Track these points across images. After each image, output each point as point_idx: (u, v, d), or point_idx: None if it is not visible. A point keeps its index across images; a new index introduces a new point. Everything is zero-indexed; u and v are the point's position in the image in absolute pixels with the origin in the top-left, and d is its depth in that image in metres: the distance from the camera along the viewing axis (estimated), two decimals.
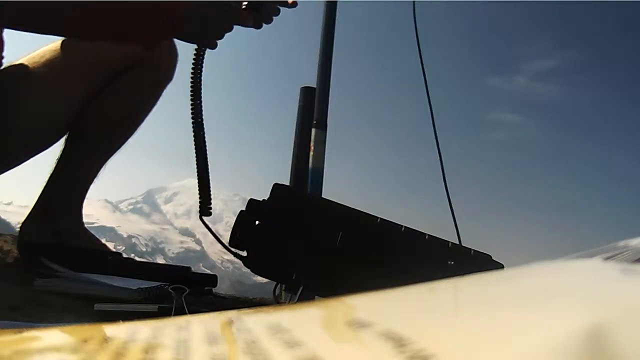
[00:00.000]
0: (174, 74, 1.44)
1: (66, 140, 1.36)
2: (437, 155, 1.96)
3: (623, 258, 0.30)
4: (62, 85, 1.30)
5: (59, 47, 1.30)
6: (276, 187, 1.24)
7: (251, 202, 1.26)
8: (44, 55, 1.30)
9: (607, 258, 0.30)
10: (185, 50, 1.44)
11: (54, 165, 1.35)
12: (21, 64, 1.29)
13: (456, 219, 1.83)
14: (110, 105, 1.36)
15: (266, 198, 1.24)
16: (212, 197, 1.29)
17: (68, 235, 1.29)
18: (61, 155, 1.36)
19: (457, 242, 1.31)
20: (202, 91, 1.29)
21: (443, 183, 1.94)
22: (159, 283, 1.07)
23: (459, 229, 1.80)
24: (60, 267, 1.06)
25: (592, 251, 0.32)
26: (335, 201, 1.27)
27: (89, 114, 1.34)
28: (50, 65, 1.29)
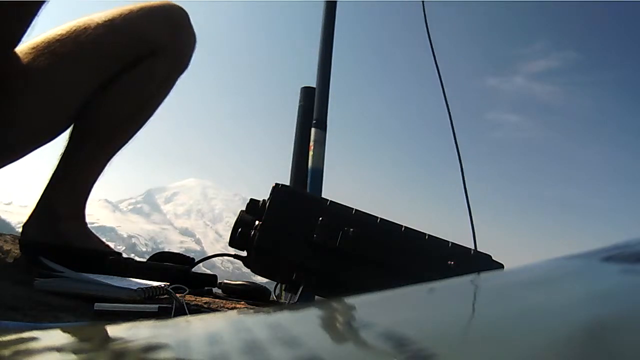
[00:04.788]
0: (189, 62, 1.39)
1: (71, 134, 1.31)
2: (458, 163, 1.94)
3: (623, 258, 0.30)
4: (69, 73, 1.25)
5: (66, 33, 1.25)
6: (276, 187, 1.24)
7: (251, 202, 1.26)
8: (51, 40, 1.24)
9: (607, 258, 0.30)
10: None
11: (58, 161, 1.30)
12: (26, 47, 1.24)
13: (474, 223, 1.82)
14: (121, 97, 1.31)
15: (266, 198, 1.24)
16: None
17: (69, 235, 1.28)
18: (65, 150, 1.31)
19: (474, 246, 1.31)
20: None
21: (463, 189, 1.92)
22: (159, 283, 1.07)
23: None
24: (61, 267, 1.05)
25: (592, 251, 0.32)
26: (335, 201, 1.27)
27: (97, 105, 1.29)
28: (57, 51, 1.23)
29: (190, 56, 1.39)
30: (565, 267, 0.31)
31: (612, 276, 0.27)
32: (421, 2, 2.22)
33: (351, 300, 0.34)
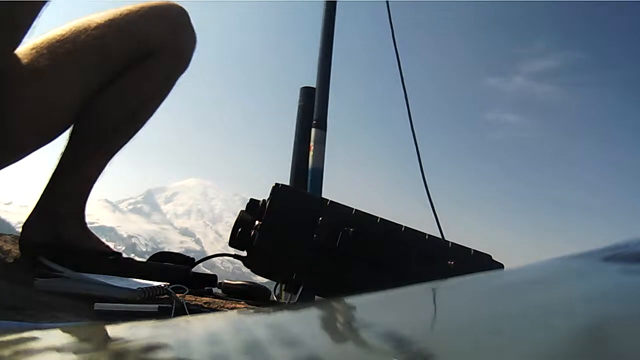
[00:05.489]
0: (190, 62, 1.37)
1: (71, 134, 1.30)
2: (417, 158, 1.98)
3: (623, 258, 0.30)
4: (70, 73, 1.24)
5: (66, 33, 1.24)
6: (276, 187, 1.24)
7: (251, 202, 1.26)
8: (51, 40, 1.24)
9: (607, 258, 0.30)
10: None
11: (58, 162, 1.30)
12: (26, 49, 1.23)
13: (438, 218, 1.84)
14: (121, 97, 1.30)
15: (266, 198, 1.24)
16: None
17: (69, 235, 1.27)
18: (65, 150, 1.30)
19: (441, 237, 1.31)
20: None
21: (423, 184, 1.95)
22: (159, 283, 1.07)
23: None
24: (61, 267, 1.05)
25: (593, 251, 0.32)
26: (335, 201, 1.27)
27: (97, 105, 1.28)
28: (58, 52, 1.23)
29: (191, 56, 1.37)
30: (566, 267, 0.31)
31: (612, 276, 0.27)
32: (385, 3, 2.24)
33: (351, 300, 0.34)
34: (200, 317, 0.35)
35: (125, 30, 1.28)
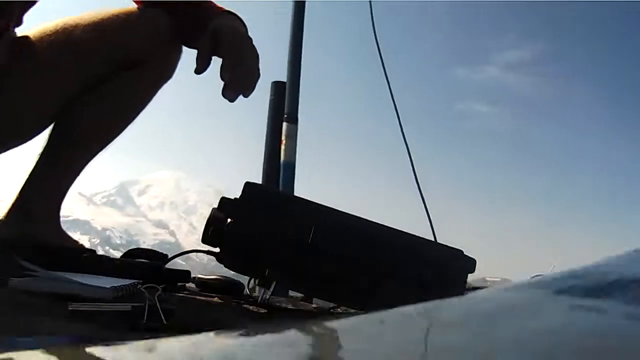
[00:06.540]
0: (174, 72, 1.37)
1: (50, 135, 1.30)
2: (408, 157, 2.01)
3: (574, 292, 0.31)
4: (49, 74, 1.24)
5: (52, 32, 1.24)
6: (247, 185, 1.25)
7: (223, 200, 1.27)
8: (35, 38, 1.24)
9: (559, 291, 0.31)
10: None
11: (35, 162, 1.30)
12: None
13: (430, 216, 1.87)
14: (104, 102, 1.30)
15: (238, 196, 1.25)
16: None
17: (42, 234, 1.27)
18: (43, 151, 1.29)
19: (433, 239, 1.34)
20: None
21: (415, 183, 1.98)
22: (133, 281, 1.08)
23: (434, 224, 1.84)
24: (35, 266, 1.06)
25: (546, 280, 0.33)
26: (306, 198, 1.29)
27: (80, 109, 1.28)
28: (40, 49, 1.23)
29: (176, 66, 1.37)
30: (515, 299, 0.32)
31: (558, 313, 0.29)
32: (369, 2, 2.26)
33: (330, 324, 0.35)
34: (183, 338, 0.36)
35: (110, 38, 1.26)
